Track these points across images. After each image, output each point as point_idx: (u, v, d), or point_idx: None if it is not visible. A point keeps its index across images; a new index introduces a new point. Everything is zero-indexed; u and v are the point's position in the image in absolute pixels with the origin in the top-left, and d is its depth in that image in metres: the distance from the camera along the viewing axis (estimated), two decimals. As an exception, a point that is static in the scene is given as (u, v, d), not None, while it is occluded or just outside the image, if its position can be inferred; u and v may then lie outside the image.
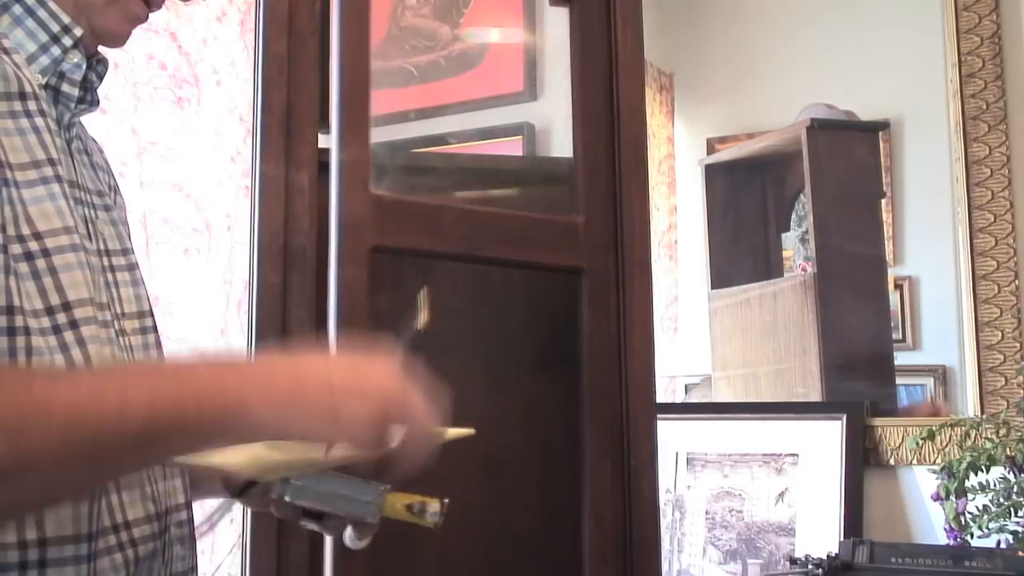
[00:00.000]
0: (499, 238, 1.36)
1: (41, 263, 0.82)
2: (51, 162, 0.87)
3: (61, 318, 0.83)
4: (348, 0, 1.30)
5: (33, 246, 0.82)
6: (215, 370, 0.79)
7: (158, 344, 0.98)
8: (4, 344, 0.79)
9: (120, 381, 0.75)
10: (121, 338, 0.92)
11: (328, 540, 1.14)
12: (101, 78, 0.98)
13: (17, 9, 0.90)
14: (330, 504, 0.89)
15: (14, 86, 0.85)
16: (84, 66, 0.93)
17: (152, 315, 0.98)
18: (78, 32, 0.92)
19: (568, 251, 1.39)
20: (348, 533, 0.95)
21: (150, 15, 0.99)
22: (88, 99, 0.96)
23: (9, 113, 0.84)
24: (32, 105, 0.87)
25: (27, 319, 0.80)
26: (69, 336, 0.83)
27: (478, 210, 1.37)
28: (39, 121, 0.87)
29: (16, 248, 0.81)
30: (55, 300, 0.82)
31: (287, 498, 0.88)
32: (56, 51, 0.91)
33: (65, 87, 0.92)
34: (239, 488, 0.91)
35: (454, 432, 0.92)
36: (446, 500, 0.89)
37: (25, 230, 0.82)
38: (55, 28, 0.91)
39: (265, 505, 0.96)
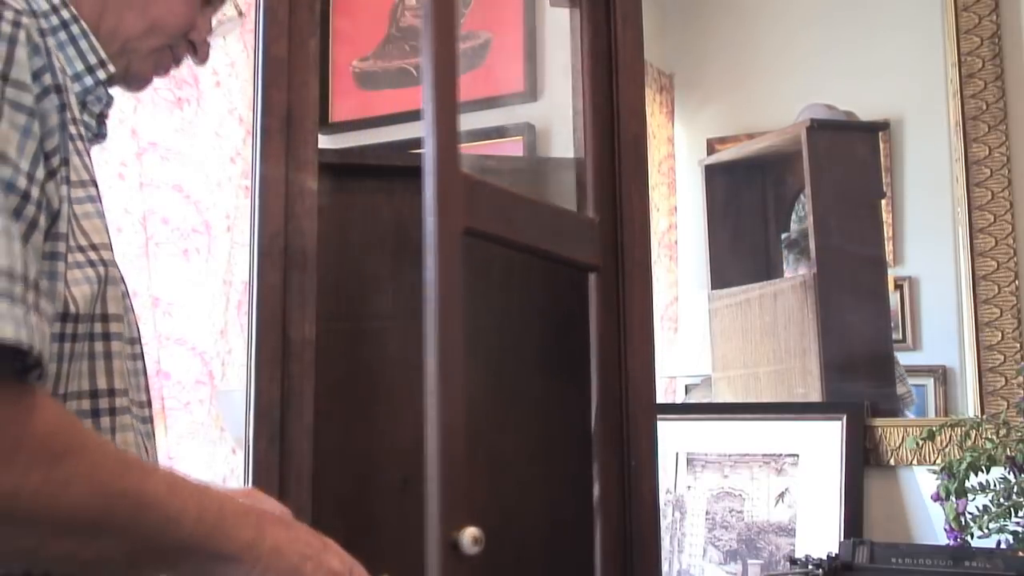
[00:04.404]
0: (542, 231, 1.33)
1: (101, 271, 0.86)
2: (94, 183, 0.90)
3: (98, 328, 0.87)
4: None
5: (92, 256, 0.86)
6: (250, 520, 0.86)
7: (144, 371, 1.01)
8: (55, 349, 0.82)
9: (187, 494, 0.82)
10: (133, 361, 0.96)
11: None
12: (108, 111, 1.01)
13: (63, 35, 0.92)
14: None
15: (74, 111, 0.88)
16: (105, 101, 0.96)
17: (140, 342, 1.01)
18: (112, 69, 0.95)
19: (587, 249, 1.38)
20: None
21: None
22: (100, 131, 0.99)
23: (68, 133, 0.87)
24: (83, 129, 0.90)
25: (77, 325, 0.84)
26: (99, 347, 0.87)
27: (532, 200, 1.34)
28: (84, 145, 0.91)
29: (79, 256, 0.84)
30: (98, 309, 0.87)
31: None
32: (89, 81, 0.94)
33: (85, 117, 0.95)
34: None
35: None
36: None
37: (82, 241, 0.85)
38: (92, 60, 0.93)
39: None
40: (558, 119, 2.08)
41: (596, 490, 1.35)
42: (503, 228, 1.24)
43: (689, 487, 1.93)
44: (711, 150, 2.21)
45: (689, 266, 2.24)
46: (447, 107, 1.14)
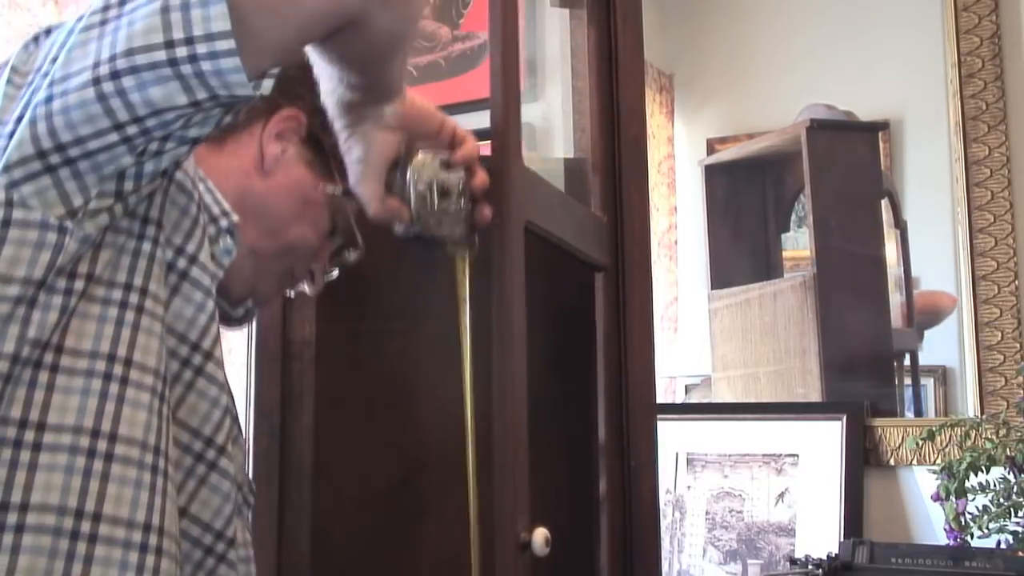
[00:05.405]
0: (571, 228, 1.31)
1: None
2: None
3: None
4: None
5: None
6: None
7: None
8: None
9: None
10: None
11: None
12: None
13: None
14: None
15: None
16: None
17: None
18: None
19: (598, 248, 1.38)
20: None
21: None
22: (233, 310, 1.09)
23: None
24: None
25: None
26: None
27: (566, 196, 1.33)
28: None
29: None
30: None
31: None
32: (212, 230, 0.97)
33: (212, 265, 1.00)
34: None
35: None
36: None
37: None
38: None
39: None
40: (558, 119, 2.08)
41: (607, 491, 1.35)
42: (550, 224, 1.22)
43: (689, 487, 1.93)
44: (711, 150, 2.21)
45: (689, 266, 2.24)
46: (511, 99, 1.14)
